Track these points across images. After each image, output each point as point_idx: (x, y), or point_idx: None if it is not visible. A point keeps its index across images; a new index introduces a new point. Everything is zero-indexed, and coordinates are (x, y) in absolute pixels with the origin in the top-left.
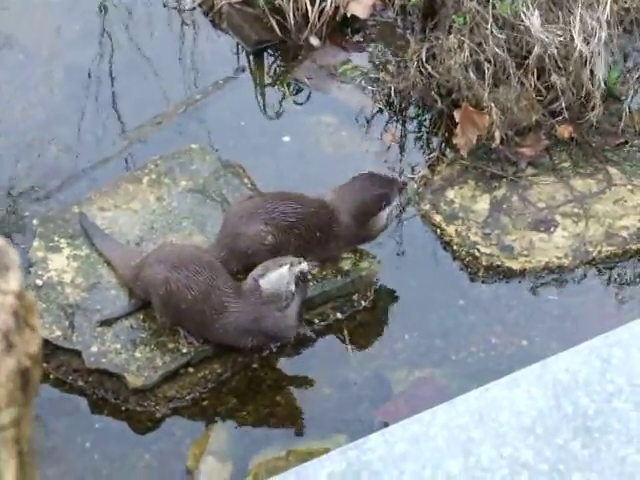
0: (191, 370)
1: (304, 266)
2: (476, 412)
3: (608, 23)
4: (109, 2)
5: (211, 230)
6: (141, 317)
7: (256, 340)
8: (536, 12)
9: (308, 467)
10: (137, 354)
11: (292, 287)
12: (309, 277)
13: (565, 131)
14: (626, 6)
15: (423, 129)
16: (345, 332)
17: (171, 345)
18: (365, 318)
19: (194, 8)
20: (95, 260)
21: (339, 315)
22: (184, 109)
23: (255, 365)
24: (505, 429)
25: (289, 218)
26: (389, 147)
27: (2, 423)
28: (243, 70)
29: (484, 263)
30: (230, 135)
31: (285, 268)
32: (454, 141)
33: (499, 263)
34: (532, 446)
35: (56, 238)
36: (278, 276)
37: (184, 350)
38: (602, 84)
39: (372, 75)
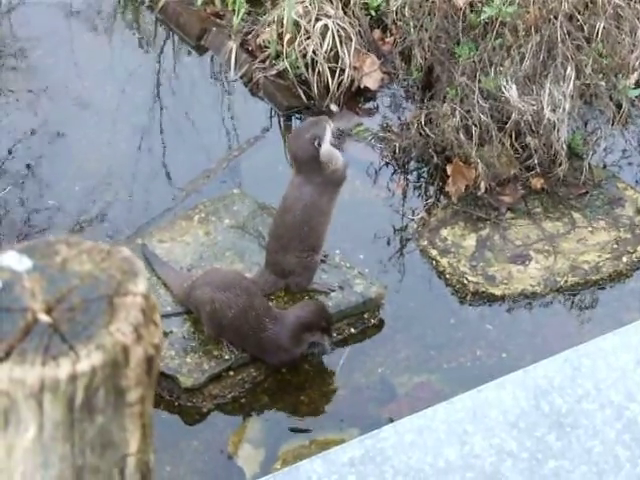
0: (232, 373)
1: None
2: (470, 409)
3: (572, 96)
4: (168, 76)
5: (249, 259)
6: (192, 330)
7: (284, 357)
8: (514, 86)
9: (332, 453)
10: (188, 359)
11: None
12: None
13: (537, 183)
14: (587, 82)
15: (422, 180)
16: (346, 352)
17: (216, 352)
18: (373, 333)
19: (236, 80)
20: (154, 282)
21: (352, 330)
22: (227, 164)
23: (284, 370)
24: (494, 423)
25: None
26: (394, 194)
27: (131, 400)
28: (267, 130)
29: (471, 289)
30: (264, 183)
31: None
32: (447, 189)
33: (483, 290)
34: (516, 438)
35: None
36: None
37: (226, 357)
38: (566, 145)
39: (380, 135)
